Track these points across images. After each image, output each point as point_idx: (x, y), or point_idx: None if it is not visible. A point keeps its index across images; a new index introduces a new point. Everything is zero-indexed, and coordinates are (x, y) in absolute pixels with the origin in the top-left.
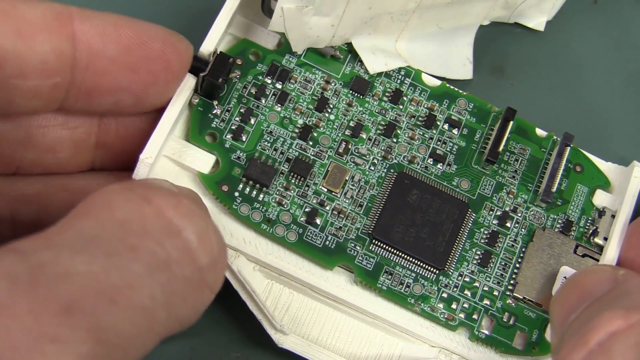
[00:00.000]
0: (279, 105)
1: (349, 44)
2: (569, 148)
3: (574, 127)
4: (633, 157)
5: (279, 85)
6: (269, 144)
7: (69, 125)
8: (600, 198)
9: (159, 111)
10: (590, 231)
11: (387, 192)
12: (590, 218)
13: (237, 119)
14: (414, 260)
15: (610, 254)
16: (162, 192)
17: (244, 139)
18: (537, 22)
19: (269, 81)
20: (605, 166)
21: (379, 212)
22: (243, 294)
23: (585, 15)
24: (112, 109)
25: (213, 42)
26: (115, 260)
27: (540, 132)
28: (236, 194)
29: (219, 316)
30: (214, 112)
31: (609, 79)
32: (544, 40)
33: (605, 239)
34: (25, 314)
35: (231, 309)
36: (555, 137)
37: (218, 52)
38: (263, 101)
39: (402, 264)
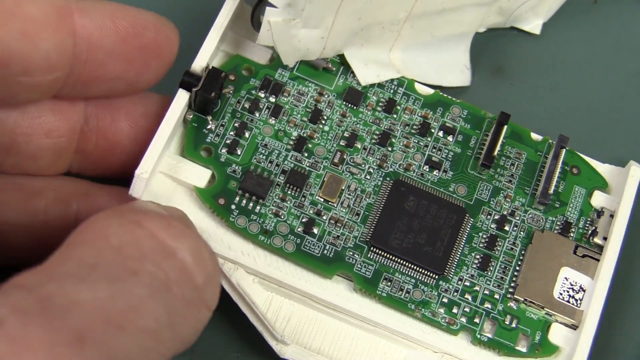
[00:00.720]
0: (273, 118)
1: (341, 56)
2: (564, 150)
3: (575, 127)
4: (634, 158)
5: (272, 99)
6: (264, 157)
7: (52, 135)
8: (599, 199)
9: (142, 124)
10: (590, 232)
11: (383, 200)
12: (589, 219)
13: (232, 133)
14: (412, 266)
15: (611, 254)
16: (152, 215)
17: (239, 153)
18: (534, 25)
19: (262, 95)
20: (603, 168)
21: (376, 219)
22: (243, 306)
23: (585, 15)
24: (104, 94)
25: (205, 58)
26: (118, 286)
27: (535, 136)
28: (233, 206)
29: (219, 317)
30: (208, 128)
31: (609, 79)
32: (543, 41)
33: (605, 238)
34: (40, 346)
35: (231, 311)
36: (550, 141)
37: (210, 67)
38: (257, 115)
39: (401, 270)
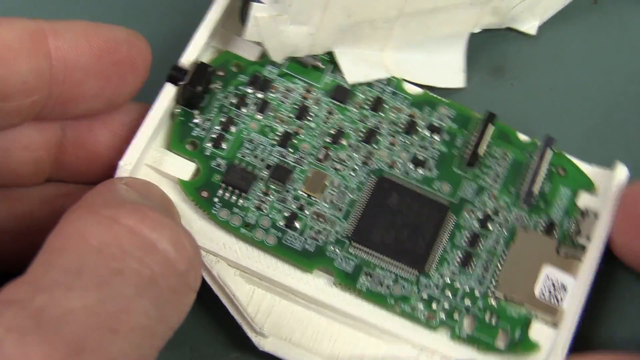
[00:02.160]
0: (259, 114)
1: (331, 54)
2: (550, 150)
3: (574, 128)
4: (634, 159)
5: (260, 95)
6: (249, 151)
7: (31, 148)
8: (584, 200)
9: (120, 133)
10: (573, 232)
11: (367, 197)
12: (573, 220)
13: (218, 127)
14: (393, 261)
15: (593, 253)
16: (127, 208)
17: (224, 147)
18: (530, 25)
19: (250, 91)
20: (590, 169)
21: (358, 215)
22: (223, 297)
23: (585, 15)
24: (82, 114)
25: (194, 53)
26: (106, 289)
27: (522, 137)
28: (215, 199)
29: (218, 317)
30: (194, 121)
31: (609, 80)
32: (543, 41)
33: (589, 238)
34: None
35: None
36: (538, 143)
37: (199, 62)
38: (244, 110)
39: (381, 265)
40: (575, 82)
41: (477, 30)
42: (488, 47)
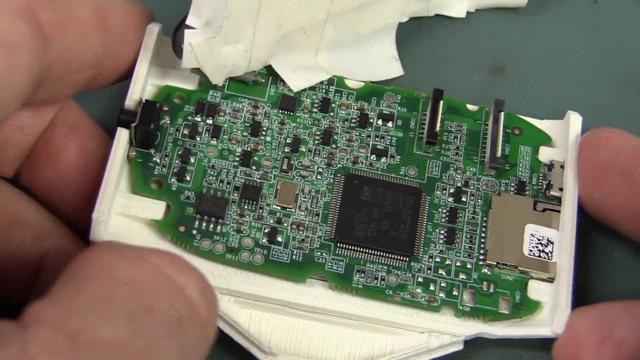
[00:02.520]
0: (214, 139)
1: (269, 67)
2: (502, 113)
3: None
4: None
5: (209, 121)
6: (214, 178)
7: (23, 131)
8: (546, 154)
9: (88, 156)
10: (544, 186)
11: (339, 196)
12: (541, 174)
13: (177, 161)
14: (381, 253)
15: (569, 202)
16: (153, 250)
17: (188, 179)
18: (457, 9)
19: (199, 119)
20: (543, 124)
21: (336, 215)
22: (225, 326)
23: (585, 15)
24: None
25: (137, 93)
26: (137, 324)
27: (471, 107)
28: (194, 231)
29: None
30: (153, 160)
31: (609, 80)
32: (544, 41)
33: (561, 189)
34: None
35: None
36: (487, 109)
37: (144, 101)
38: (198, 139)
39: (371, 259)
40: (575, 82)
41: (404, 19)
42: (488, 47)
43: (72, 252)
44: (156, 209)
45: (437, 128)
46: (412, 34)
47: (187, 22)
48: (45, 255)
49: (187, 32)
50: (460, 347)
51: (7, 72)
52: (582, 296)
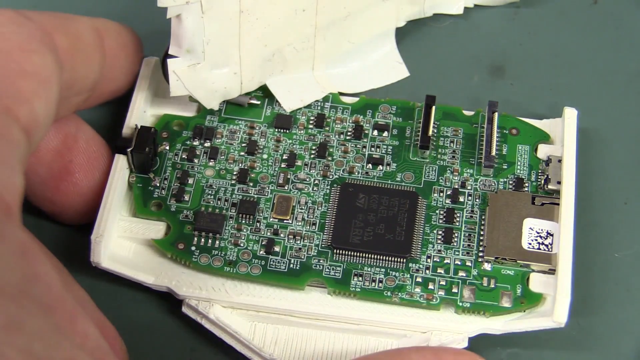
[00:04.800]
0: (212, 160)
1: (265, 88)
2: (496, 114)
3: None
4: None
5: (207, 144)
6: (211, 197)
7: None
8: (544, 151)
9: (95, 176)
10: (543, 180)
11: (335, 204)
12: (539, 170)
13: (176, 183)
14: (378, 256)
15: (568, 193)
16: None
17: (187, 199)
18: (455, 6)
19: (197, 143)
20: (541, 123)
21: (332, 223)
22: (227, 337)
23: (585, 15)
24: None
25: (134, 121)
26: None
27: (467, 112)
28: (192, 247)
29: None
30: (153, 184)
31: (608, 79)
32: (543, 41)
33: (559, 182)
34: None
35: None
36: (483, 112)
37: (139, 127)
38: (196, 161)
39: (369, 263)
40: (575, 82)
41: (401, 23)
42: (488, 47)
43: None
44: (156, 229)
45: (430, 132)
46: (410, 36)
47: (170, 51)
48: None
49: (169, 61)
50: (464, 344)
51: (47, 108)
52: (581, 296)
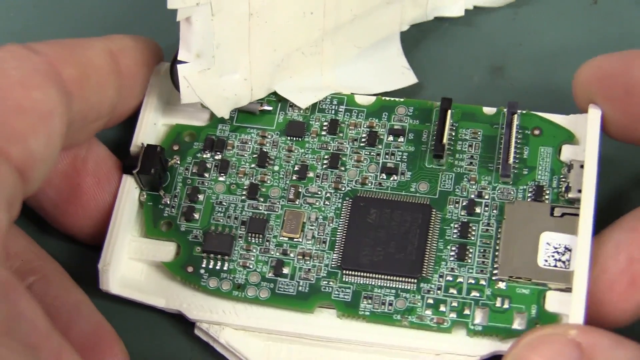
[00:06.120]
0: (222, 174)
1: (275, 94)
2: (516, 115)
3: None
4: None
5: (218, 157)
6: (221, 214)
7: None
8: (567, 152)
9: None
10: (564, 188)
11: (346, 221)
12: (562, 176)
13: (186, 201)
14: (388, 277)
15: (587, 203)
16: None
17: (196, 218)
18: (456, 8)
19: (208, 155)
20: (566, 120)
21: (342, 242)
22: None
23: (585, 15)
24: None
25: (142, 138)
26: None
27: (488, 110)
28: (202, 271)
29: None
30: (163, 202)
31: None
32: (543, 41)
33: (580, 191)
34: None
35: None
36: (504, 111)
37: (145, 146)
38: (207, 175)
39: (379, 284)
40: None
41: (405, 27)
42: (488, 48)
43: (57, 288)
44: (166, 250)
45: (445, 139)
46: (410, 36)
47: (179, 56)
48: (29, 289)
49: (179, 67)
50: None
51: (48, 144)
52: None
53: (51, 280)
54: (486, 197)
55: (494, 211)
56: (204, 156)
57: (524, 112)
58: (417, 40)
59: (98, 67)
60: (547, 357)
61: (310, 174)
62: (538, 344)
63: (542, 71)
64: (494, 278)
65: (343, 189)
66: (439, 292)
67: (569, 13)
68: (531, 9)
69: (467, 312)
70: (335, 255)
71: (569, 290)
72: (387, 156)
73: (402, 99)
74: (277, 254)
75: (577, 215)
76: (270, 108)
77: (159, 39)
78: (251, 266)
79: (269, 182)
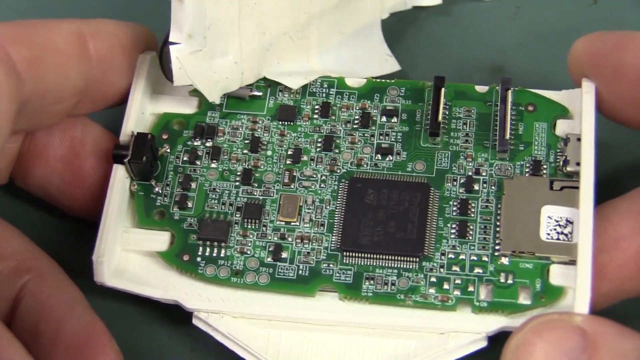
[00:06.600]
0: (214, 161)
1: (264, 79)
2: (510, 91)
3: None
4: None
5: (209, 143)
6: (215, 201)
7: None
8: (562, 127)
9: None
10: (561, 162)
11: (343, 202)
12: (558, 150)
13: (179, 189)
14: (389, 257)
15: (587, 176)
16: None
17: (190, 206)
18: None
19: (199, 143)
20: (559, 95)
21: (341, 223)
22: (240, 351)
23: (585, 15)
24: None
25: (130, 127)
26: None
27: (480, 88)
28: (198, 259)
29: None
30: (155, 191)
31: None
32: (543, 41)
33: (578, 163)
34: None
35: None
36: (497, 88)
37: (135, 134)
38: (198, 163)
39: (380, 264)
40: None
41: (385, 15)
42: (488, 47)
43: (51, 287)
44: (161, 240)
45: (440, 117)
46: (411, 36)
47: (170, 38)
48: (24, 288)
49: (172, 48)
50: (484, 343)
51: None
52: None
53: (46, 279)
54: (484, 174)
55: (493, 187)
56: (195, 144)
57: (517, 88)
58: (417, 40)
59: (57, 49)
60: (552, 343)
61: (305, 158)
62: (543, 330)
63: (542, 71)
64: (496, 254)
65: (339, 171)
66: (441, 270)
67: (569, 13)
68: (531, 9)
69: (471, 289)
70: (334, 237)
71: (572, 262)
72: (381, 137)
73: (392, 80)
74: (275, 238)
75: (577, 188)
76: (260, 93)
77: (161, 34)
78: (249, 252)
79: (262, 167)
